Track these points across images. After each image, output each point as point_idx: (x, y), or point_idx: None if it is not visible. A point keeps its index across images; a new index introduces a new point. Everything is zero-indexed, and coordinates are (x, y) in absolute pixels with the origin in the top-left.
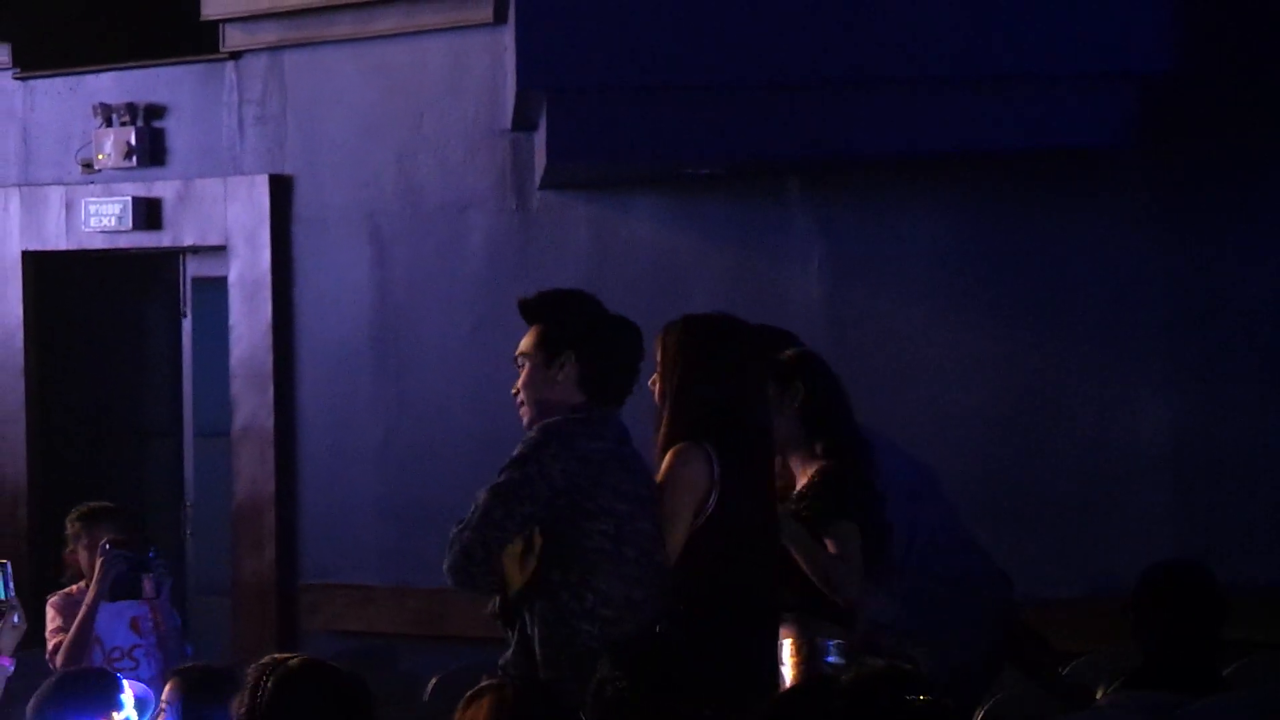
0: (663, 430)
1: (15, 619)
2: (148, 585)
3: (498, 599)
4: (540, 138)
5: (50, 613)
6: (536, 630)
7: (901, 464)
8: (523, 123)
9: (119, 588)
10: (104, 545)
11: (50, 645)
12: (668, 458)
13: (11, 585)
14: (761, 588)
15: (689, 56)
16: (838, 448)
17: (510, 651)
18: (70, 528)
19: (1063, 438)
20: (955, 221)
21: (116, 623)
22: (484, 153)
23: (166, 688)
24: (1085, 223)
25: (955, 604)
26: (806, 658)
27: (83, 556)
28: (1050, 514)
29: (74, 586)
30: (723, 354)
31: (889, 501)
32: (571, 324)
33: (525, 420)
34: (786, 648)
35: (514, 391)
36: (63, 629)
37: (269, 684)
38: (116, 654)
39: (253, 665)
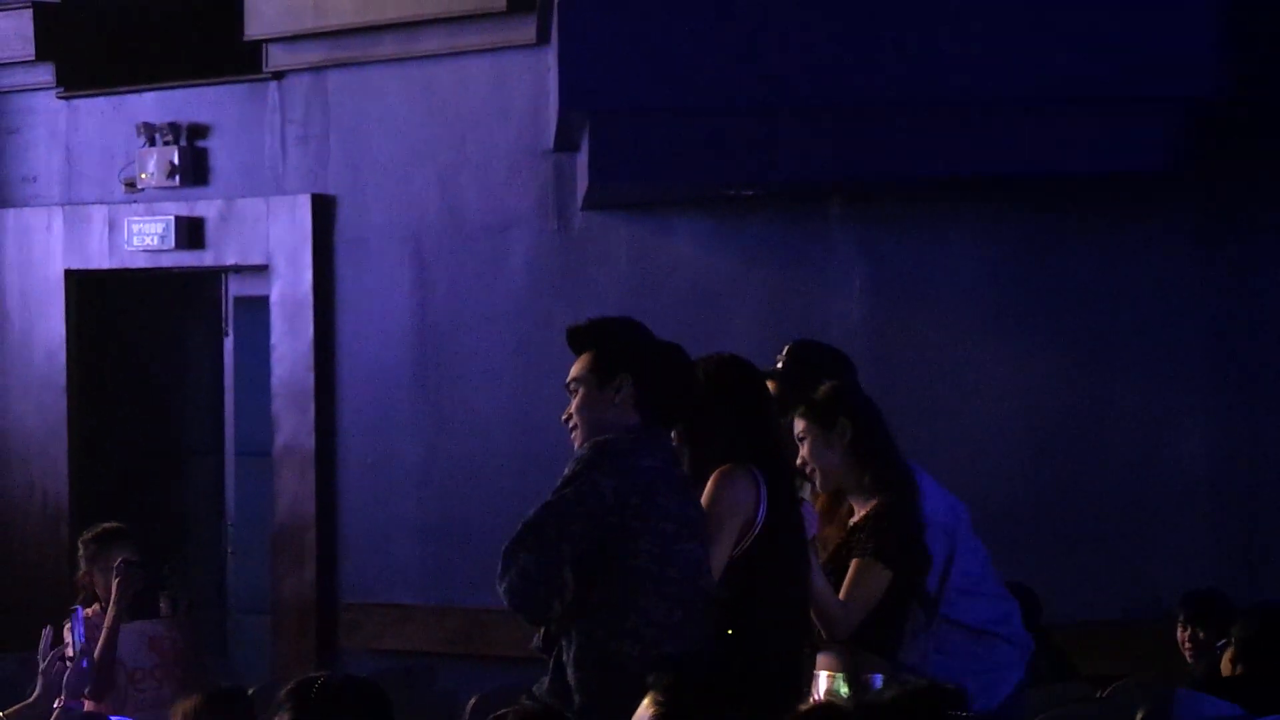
0: (691, 459)
1: (84, 664)
2: (165, 605)
3: (542, 631)
4: (582, 158)
5: (66, 636)
6: (572, 651)
7: (939, 502)
8: (565, 143)
9: (136, 607)
10: (119, 565)
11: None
12: (713, 479)
13: (82, 630)
14: (801, 615)
15: (731, 78)
16: (887, 481)
17: (546, 678)
18: (83, 550)
19: (1105, 461)
20: (999, 245)
21: (136, 643)
22: (526, 173)
23: (186, 706)
24: (1131, 247)
25: (980, 655)
26: (853, 691)
27: (97, 579)
28: (1091, 536)
29: (89, 609)
30: (748, 387)
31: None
32: (625, 347)
33: (578, 443)
34: (822, 680)
35: (564, 418)
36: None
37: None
38: (139, 675)
39: (284, 688)
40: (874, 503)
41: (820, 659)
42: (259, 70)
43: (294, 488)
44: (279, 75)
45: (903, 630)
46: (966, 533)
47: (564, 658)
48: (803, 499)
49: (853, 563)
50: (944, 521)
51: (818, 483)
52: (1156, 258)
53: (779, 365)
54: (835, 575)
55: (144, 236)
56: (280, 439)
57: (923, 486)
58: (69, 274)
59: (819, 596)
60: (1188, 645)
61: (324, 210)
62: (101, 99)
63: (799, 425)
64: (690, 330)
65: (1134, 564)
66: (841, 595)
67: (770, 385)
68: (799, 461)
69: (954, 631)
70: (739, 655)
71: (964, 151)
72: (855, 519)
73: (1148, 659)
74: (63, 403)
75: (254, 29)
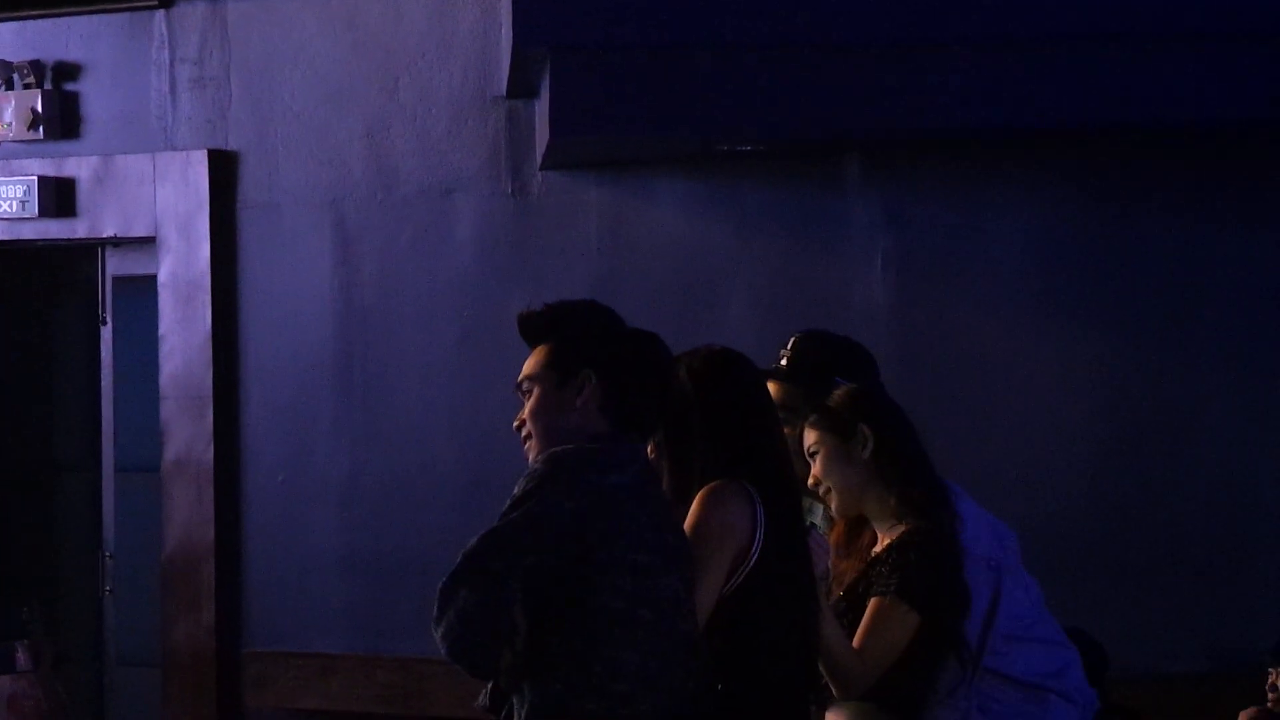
0: (671, 475)
1: None
2: (23, 656)
3: (489, 686)
4: (541, 106)
5: None
6: (524, 711)
7: (981, 529)
8: (521, 88)
9: None
10: None
11: None
12: (699, 499)
13: None
14: (806, 666)
15: (726, 7)
16: (916, 503)
17: None
18: None
19: (1185, 476)
20: (1052, 210)
21: None
22: (473, 125)
23: None
24: (1215, 212)
25: (1033, 715)
26: None
27: None
28: (1169, 570)
29: None
30: (741, 387)
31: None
32: (589, 338)
33: (532, 457)
34: None
35: (516, 425)
36: None
37: None
38: None
39: None
40: (900, 530)
41: (829, 719)
42: None
43: (188, 511)
44: (167, 3)
45: (934, 686)
46: (1015, 567)
47: (515, 718)
48: (813, 525)
49: (871, 602)
50: (988, 553)
51: (833, 505)
52: (1249, 223)
53: (782, 363)
54: (850, 616)
55: (0, 202)
56: (170, 451)
57: (961, 510)
58: None
59: (829, 644)
60: (1270, 695)
61: (224, 169)
62: None
63: (810, 437)
64: (673, 318)
65: (1220, 604)
66: (856, 642)
67: (772, 387)
68: (810, 480)
69: (1000, 687)
70: (729, 716)
71: (1011, 98)
72: (877, 549)
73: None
74: None
75: None
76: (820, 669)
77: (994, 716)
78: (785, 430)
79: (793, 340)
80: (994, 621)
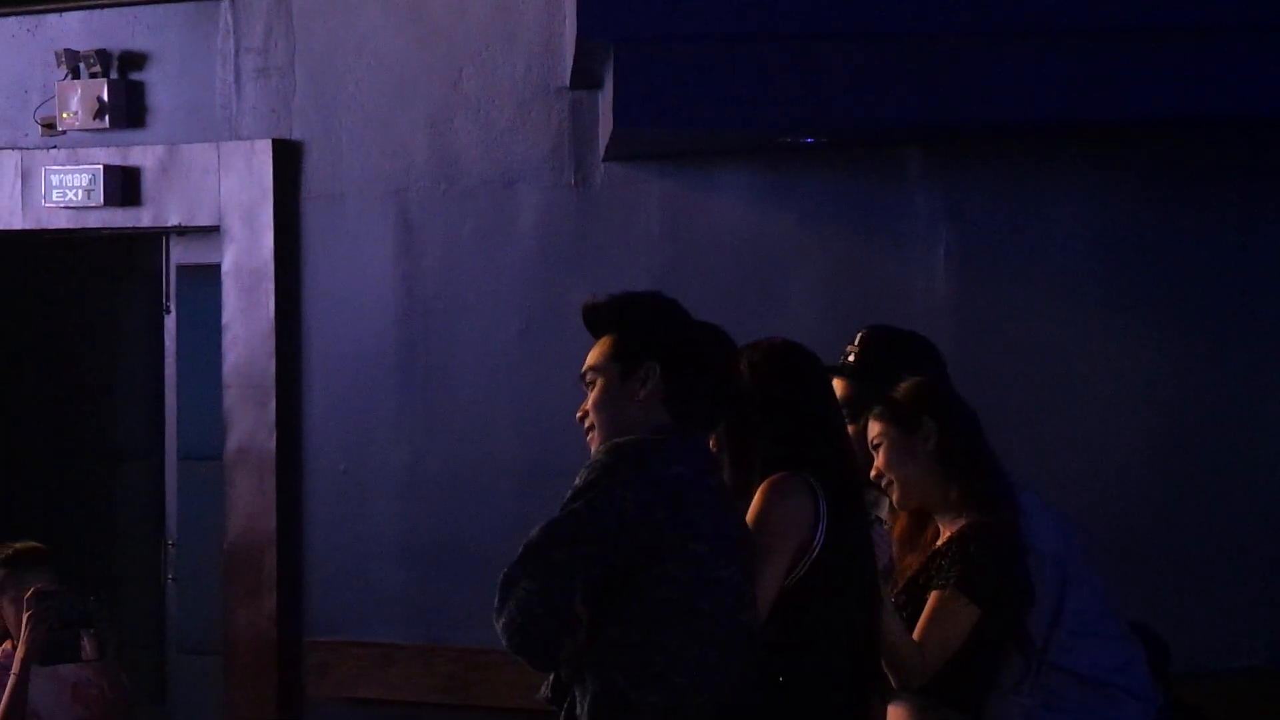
0: (733, 468)
1: None
2: (88, 645)
3: (551, 678)
4: (605, 98)
5: None
6: (587, 702)
7: (1046, 524)
8: (584, 79)
9: (54, 649)
10: (30, 597)
11: None
12: (761, 492)
13: None
14: (867, 660)
15: None
16: (979, 496)
17: None
18: None
19: (1247, 469)
20: (1114, 202)
21: (54, 692)
22: (536, 116)
23: None
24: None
25: (1099, 710)
26: None
27: (6, 611)
28: (1231, 564)
29: None
30: (804, 380)
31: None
32: (653, 330)
33: (594, 446)
34: None
35: (580, 415)
36: None
37: None
38: None
39: None
40: (961, 523)
41: (891, 713)
42: None
43: (250, 499)
44: None
45: (994, 681)
46: (1081, 562)
47: (577, 710)
48: (877, 519)
49: (931, 595)
50: (1053, 549)
51: (895, 498)
52: None
53: (849, 359)
54: (911, 609)
55: (66, 190)
56: (233, 440)
57: (1025, 505)
58: None
59: (889, 636)
60: None
61: (288, 159)
62: (12, 19)
63: (874, 428)
64: (734, 310)
65: None
66: (916, 635)
67: (838, 384)
68: (874, 472)
69: (1065, 683)
70: (789, 708)
71: (1077, 90)
72: (939, 543)
73: None
74: None
75: None
76: (882, 662)
77: (1059, 712)
78: (850, 426)
79: (859, 337)
80: (1060, 618)
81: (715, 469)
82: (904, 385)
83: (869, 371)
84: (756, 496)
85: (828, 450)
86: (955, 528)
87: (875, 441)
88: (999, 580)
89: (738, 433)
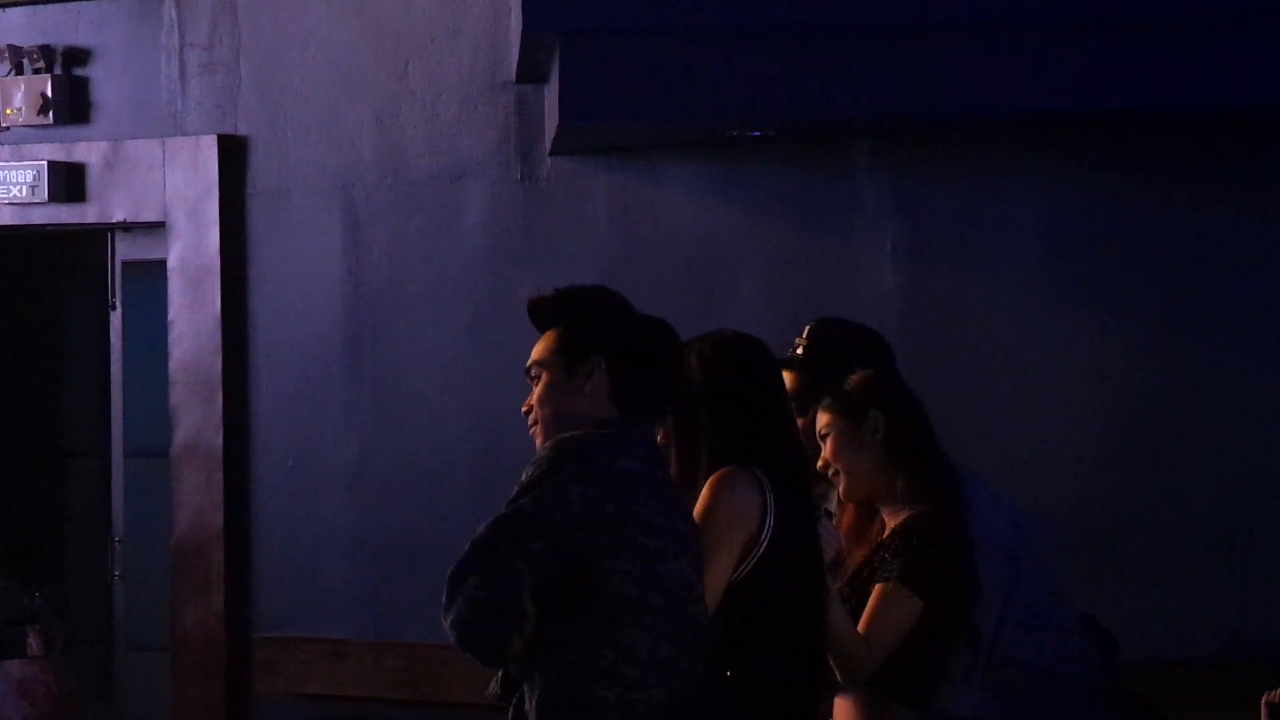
0: (679, 461)
1: None
2: (34, 641)
3: (500, 674)
4: (551, 92)
5: None
6: (536, 698)
7: (996, 515)
8: (530, 74)
9: (1, 644)
10: None
11: None
12: (708, 485)
13: None
14: (815, 652)
15: None
16: (923, 488)
17: None
18: None
19: (1200, 461)
20: (1067, 196)
21: (1, 688)
22: (483, 110)
23: None
24: (1234, 199)
25: (1049, 700)
26: None
27: None
28: (1180, 557)
29: None
30: (754, 370)
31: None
32: (598, 323)
33: (539, 442)
34: None
35: (524, 409)
36: None
37: None
38: None
39: None
40: (904, 515)
41: (837, 706)
42: None
43: (197, 496)
44: None
45: (945, 673)
46: (1031, 554)
47: (526, 705)
48: (826, 512)
49: (875, 588)
50: (1002, 540)
51: (841, 489)
52: (1269, 214)
53: (797, 351)
54: (855, 602)
55: (10, 186)
56: (180, 436)
57: (974, 496)
58: None
59: (835, 629)
60: None
61: (233, 154)
62: None
63: (823, 419)
64: (683, 303)
65: (1235, 590)
66: (861, 628)
67: (787, 376)
68: (820, 463)
69: (1014, 674)
70: (739, 702)
71: (1026, 82)
72: (884, 535)
73: (1252, 708)
74: None
75: None
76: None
77: (1009, 705)
78: (799, 419)
79: (808, 329)
80: (1009, 609)
81: (662, 463)
82: (854, 377)
83: (817, 364)
84: (704, 490)
85: (777, 443)
86: (899, 519)
87: (823, 432)
88: (942, 572)
89: (685, 426)
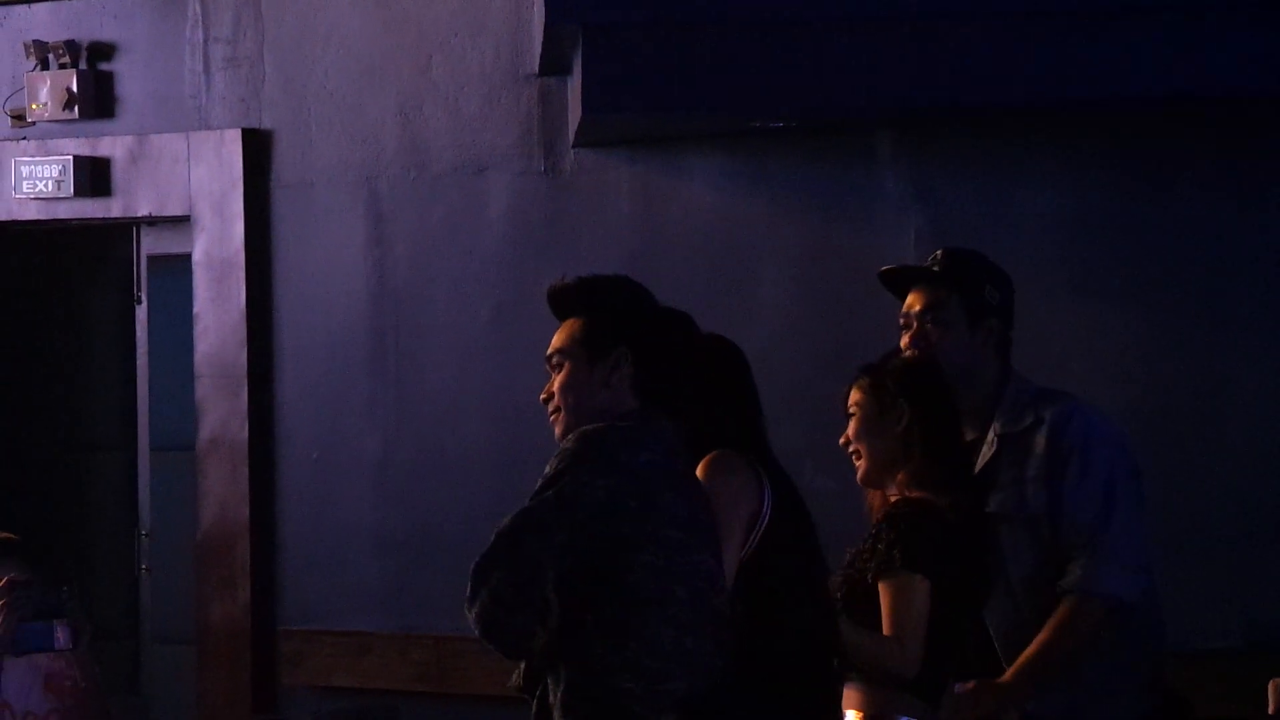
0: None
1: None
2: (61, 635)
3: (523, 666)
4: (574, 84)
5: None
6: (560, 690)
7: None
8: (553, 66)
9: (26, 639)
10: (2, 587)
11: None
12: (701, 469)
13: None
14: (822, 635)
15: None
16: (922, 480)
17: None
18: None
19: (1218, 452)
20: (1084, 185)
21: (27, 682)
22: (506, 102)
23: None
24: (1248, 188)
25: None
26: None
27: None
28: (1205, 548)
29: None
30: (733, 366)
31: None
32: (623, 315)
33: (559, 431)
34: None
35: (543, 397)
36: None
37: None
38: None
39: None
40: (894, 500)
41: (846, 694)
42: None
43: (222, 489)
44: None
45: (955, 659)
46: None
47: (551, 698)
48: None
49: (881, 586)
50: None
51: (860, 472)
52: None
53: (934, 267)
54: (846, 590)
55: (35, 181)
56: (205, 430)
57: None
58: None
59: (858, 644)
60: None
61: (258, 148)
62: None
63: (853, 395)
64: (707, 294)
65: (1260, 580)
66: (886, 629)
67: (920, 292)
68: (842, 440)
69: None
70: (760, 688)
71: (1043, 72)
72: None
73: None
74: None
75: None
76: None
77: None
78: (934, 330)
79: (941, 250)
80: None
81: (682, 454)
82: (896, 362)
83: (954, 276)
84: (701, 474)
85: (755, 429)
86: (886, 508)
87: (850, 410)
88: (938, 549)
89: (685, 415)
